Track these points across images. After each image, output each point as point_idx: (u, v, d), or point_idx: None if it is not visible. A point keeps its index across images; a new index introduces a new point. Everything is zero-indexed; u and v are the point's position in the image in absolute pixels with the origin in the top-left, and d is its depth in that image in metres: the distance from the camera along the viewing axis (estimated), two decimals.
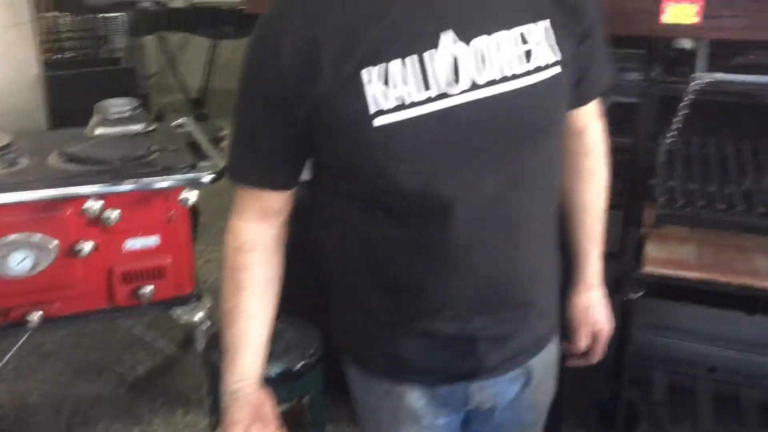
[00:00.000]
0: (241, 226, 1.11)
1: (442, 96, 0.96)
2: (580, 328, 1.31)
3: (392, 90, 0.95)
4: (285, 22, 0.98)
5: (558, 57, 1.02)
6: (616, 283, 1.74)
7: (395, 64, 0.95)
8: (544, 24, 1.01)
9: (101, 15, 4.28)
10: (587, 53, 1.09)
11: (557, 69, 1.01)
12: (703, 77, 1.71)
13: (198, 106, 5.61)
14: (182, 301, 2.25)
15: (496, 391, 1.18)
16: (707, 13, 1.91)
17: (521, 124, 1.00)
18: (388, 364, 1.16)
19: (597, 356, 1.35)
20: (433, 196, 0.99)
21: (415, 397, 1.17)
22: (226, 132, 4.95)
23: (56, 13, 3.98)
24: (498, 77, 0.97)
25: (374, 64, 0.95)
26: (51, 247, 2.00)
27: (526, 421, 1.25)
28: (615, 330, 1.36)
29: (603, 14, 1.13)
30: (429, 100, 0.96)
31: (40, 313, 2.08)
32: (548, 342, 1.22)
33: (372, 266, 1.10)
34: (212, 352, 1.81)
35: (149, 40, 5.84)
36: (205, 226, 3.83)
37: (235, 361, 1.11)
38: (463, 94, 0.96)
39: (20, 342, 2.51)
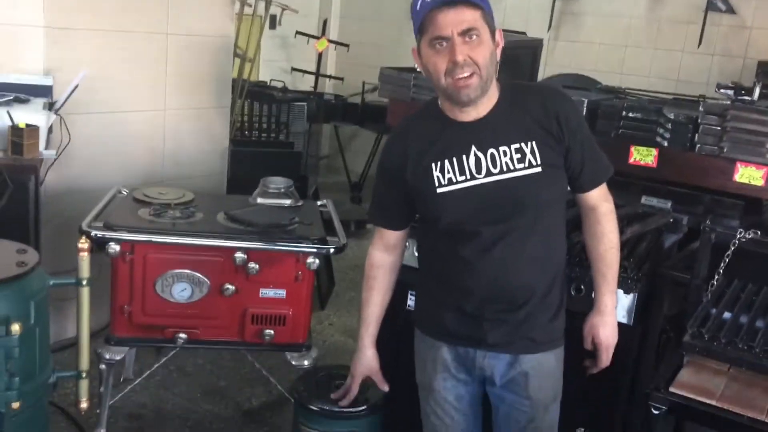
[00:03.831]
0: (373, 253, 2.00)
1: (472, 179, 1.77)
2: (587, 337, 1.95)
3: (446, 174, 1.78)
4: (395, 138, 1.92)
5: (539, 162, 1.75)
6: (645, 397, 1.98)
7: (447, 161, 1.78)
8: (532, 143, 1.76)
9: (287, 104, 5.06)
10: (575, 160, 1.80)
11: (538, 170, 1.75)
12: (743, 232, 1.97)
13: (356, 190, 6.28)
14: (296, 347, 2.72)
15: (493, 364, 1.85)
16: None
17: (510, 196, 1.76)
18: (433, 327, 1.91)
19: (601, 363, 1.95)
20: (463, 228, 1.79)
21: (445, 352, 1.89)
22: None
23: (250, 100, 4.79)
24: (502, 169, 1.75)
25: (437, 161, 1.79)
26: (205, 284, 2.57)
27: (525, 406, 1.87)
28: None
29: (585, 132, 1.83)
30: (465, 180, 1.77)
31: (186, 335, 2.63)
32: (544, 351, 1.86)
33: (431, 266, 1.92)
34: (298, 383, 2.25)
35: (326, 128, 6.67)
36: (337, 295, 4.37)
37: (361, 330, 2.03)
38: (482, 178, 1.76)
39: (164, 359, 3.09)
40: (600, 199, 1.89)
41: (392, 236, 1.98)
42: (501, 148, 1.76)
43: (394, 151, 1.89)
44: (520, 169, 1.75)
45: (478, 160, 1.76)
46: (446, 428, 1.95)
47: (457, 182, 1.77)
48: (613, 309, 1.92)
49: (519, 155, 1.75)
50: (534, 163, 1.75)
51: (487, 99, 1.77)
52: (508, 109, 1.79)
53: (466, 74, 1.68)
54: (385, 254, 2.00)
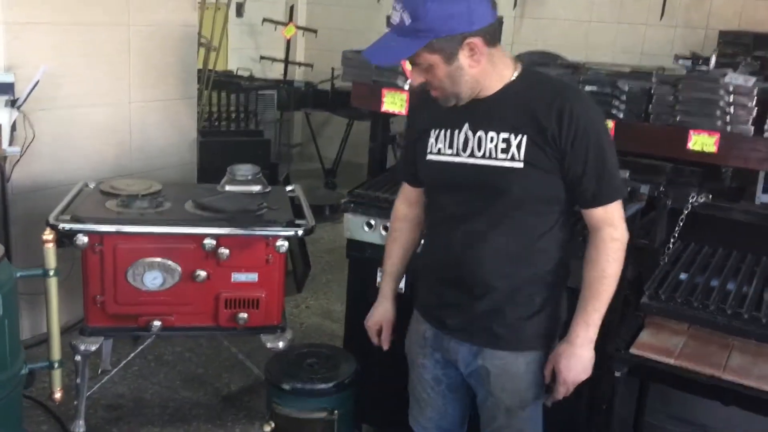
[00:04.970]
0: (398, 206, 2.06)
1: (457, 155, 1.78)
2: (548, 365, 1.81)
3: (438, 144, 1.81)
4: (416, 98, 2.05)
5: (521, 158, 1.70)
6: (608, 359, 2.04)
7: (442, 131, 1.80)
8: (521, 137, 1.71)
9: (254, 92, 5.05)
10: (574, 168, 1.70)
11: (519, 165, 1.71)
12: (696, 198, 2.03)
13: (330, 175, 6.29)
14: (270, 330, 2.74)
15: (457, 348, 1.86)
16: (723, 144, 2.24)
17: (484, 182, 1.75)
18: (420, 303, 1.96)
19: (558, 395, 1.80)
20: (438, 200, 1.85)
21: (426, 328, 1.93)
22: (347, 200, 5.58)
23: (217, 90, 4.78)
24: (484, 155, 1.74)
25: (435, 128, 1.82)
26: (176, 271, 2.59)
27: (489, 402, 1.85)
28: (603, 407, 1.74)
29: (596, 142, 1.69)
30: (450, 155, 1.79)
31: (160, 323, 2.65)
32: (511, 350, 1.80)
33: (425, 238, 1.97)
34: (271, 364, 2.29)
35: (297, 115, 6.67)
36: (313, 278, 4.41)
37: (382, 282, 2.06)
38: (465, 158, 1.77)
39: (140, 347, 3.11)
40: (603, 222, 1.74)
41: (412, 192, 2.01)
42: (489, 134, 1.74)
43: (412, 110, 2.04)
44: (502, 159, 1.72)
45: (466, 139, 1.76)
46: (425, 402, 1.99)
47: (444, 154, 1.80)
48: (584, 342, 1.76)
49: (504, 145, 1.72)
50: (517, 157, 1.71)
51: (489, 85, 1.73)
52: (513, 96, 1.74)
53: (430, 90, 1.76)
54: (408, 208, 2.03)
